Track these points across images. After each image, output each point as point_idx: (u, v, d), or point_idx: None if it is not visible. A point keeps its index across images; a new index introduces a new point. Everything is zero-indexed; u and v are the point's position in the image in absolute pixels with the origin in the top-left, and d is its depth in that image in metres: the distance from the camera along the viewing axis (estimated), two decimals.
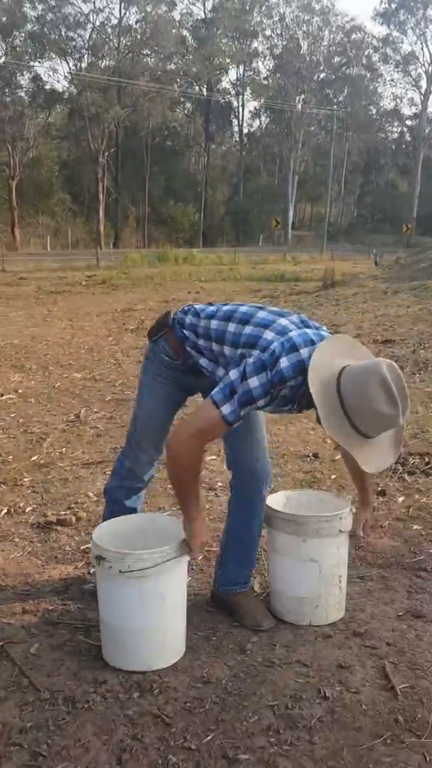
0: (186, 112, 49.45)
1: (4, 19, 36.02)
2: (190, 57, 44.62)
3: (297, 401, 2.10)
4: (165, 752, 1.80)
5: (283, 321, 2.09)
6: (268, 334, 2.04)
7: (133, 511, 2.56)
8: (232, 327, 2.13)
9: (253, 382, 1.96)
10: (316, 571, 2.36)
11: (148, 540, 2.27)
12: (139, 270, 20.98)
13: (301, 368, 1.96)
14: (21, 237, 37.75)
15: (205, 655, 2.23)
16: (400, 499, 3.56)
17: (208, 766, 1.76)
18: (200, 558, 2.71)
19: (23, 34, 37.57)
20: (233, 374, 2.00)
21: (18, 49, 37.35)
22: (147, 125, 41.22)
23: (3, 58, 37.22)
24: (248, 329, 2.10)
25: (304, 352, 1.98)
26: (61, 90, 40.73)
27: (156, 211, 45.24)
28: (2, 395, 5.75)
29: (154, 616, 2.12)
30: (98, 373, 6.66)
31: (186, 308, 2.34)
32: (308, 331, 2.07)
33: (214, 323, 2.19)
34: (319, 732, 1.88)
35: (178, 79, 45.74)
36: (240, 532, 2.48)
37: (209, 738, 1.85)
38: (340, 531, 2.36)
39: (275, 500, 2.53)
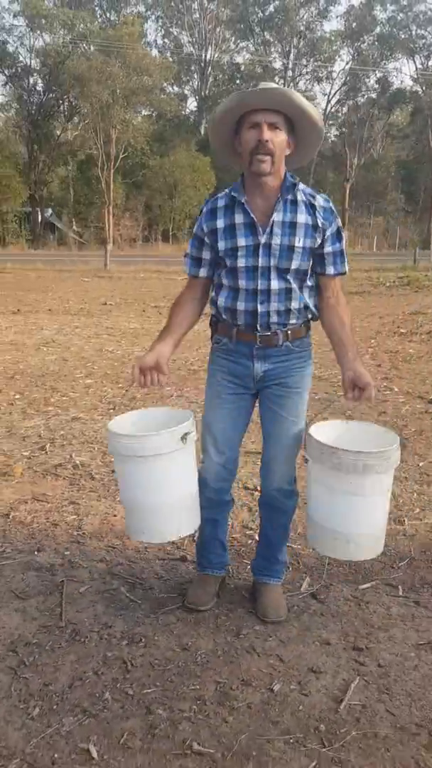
0: None
1: (354, 24, 37.06)
2: None
3: (245, 209, 2.30)
4: (105, 690, 2.11)
5: None
6: None
7: (222, 529, 2.66)
8: None
9: None
10: (349, 507, 2.25)
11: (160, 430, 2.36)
12: None
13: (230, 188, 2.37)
14: (351, 237, 38.58)
15: (205, 629, 2.45)
16: None
17: (128, 708, 2.03)
18: (133, 383, 2.44)
19: (371, 38, 38.16)
20: None
21: (364, 53, 38.08)
22: None
23: (350, 64, 38.37)
24: None
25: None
26: (405, 90, 40.40)
27: None
28: None
29: (140, 492, 2.31)
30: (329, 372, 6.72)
31: None
32: None
33: None
34: (238, 715, 2.00)
35: None
36: (265, 527, 2.61)
37: (148, 691, 2.11)
38: (378, 471, 2.18)
39: (321, 429, 2.41)
